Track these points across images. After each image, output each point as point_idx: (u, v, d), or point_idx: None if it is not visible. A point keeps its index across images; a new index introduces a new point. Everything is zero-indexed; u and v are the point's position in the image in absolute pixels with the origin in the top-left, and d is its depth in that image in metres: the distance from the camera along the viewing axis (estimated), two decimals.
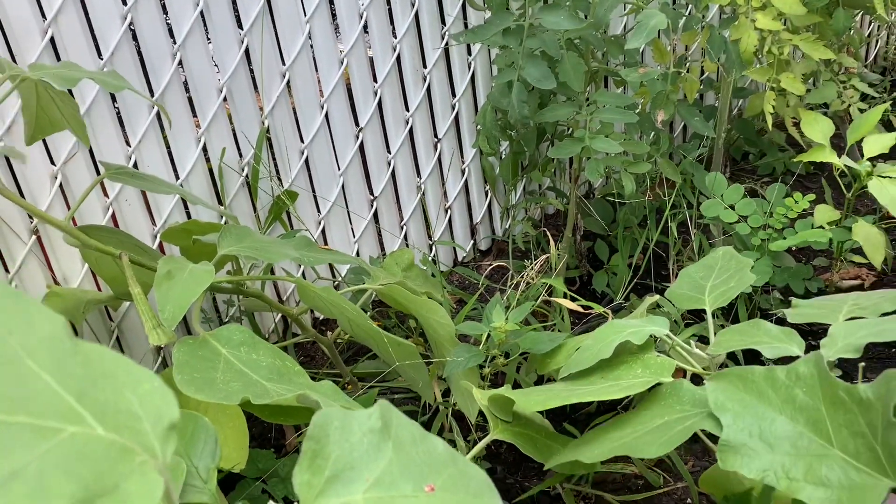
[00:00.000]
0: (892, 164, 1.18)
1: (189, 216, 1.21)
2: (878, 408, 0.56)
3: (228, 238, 0.83)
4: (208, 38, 1.13)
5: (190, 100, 1.16)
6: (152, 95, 1.10)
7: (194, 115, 1.16)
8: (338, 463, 0.43)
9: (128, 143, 1.10)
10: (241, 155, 1.22)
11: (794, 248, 1.44)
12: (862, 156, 1.20)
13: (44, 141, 1.03)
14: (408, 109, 1.38)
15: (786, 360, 1.17)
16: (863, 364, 1.16)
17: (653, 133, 1.32)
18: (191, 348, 0.70)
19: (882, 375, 0.59)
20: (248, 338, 0.74)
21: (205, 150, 1.18)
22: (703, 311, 0.95)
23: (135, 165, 1.12)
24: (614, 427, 0.82)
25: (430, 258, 1.41)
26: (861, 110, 1.41)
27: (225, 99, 1.17)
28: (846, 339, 0.80)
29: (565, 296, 1.18)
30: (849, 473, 0.52)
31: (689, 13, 1.34)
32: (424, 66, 1.37)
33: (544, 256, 1.25)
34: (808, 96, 1.41)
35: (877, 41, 2.26)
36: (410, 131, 1.39)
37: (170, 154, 1.15)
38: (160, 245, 1.17)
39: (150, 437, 0.31)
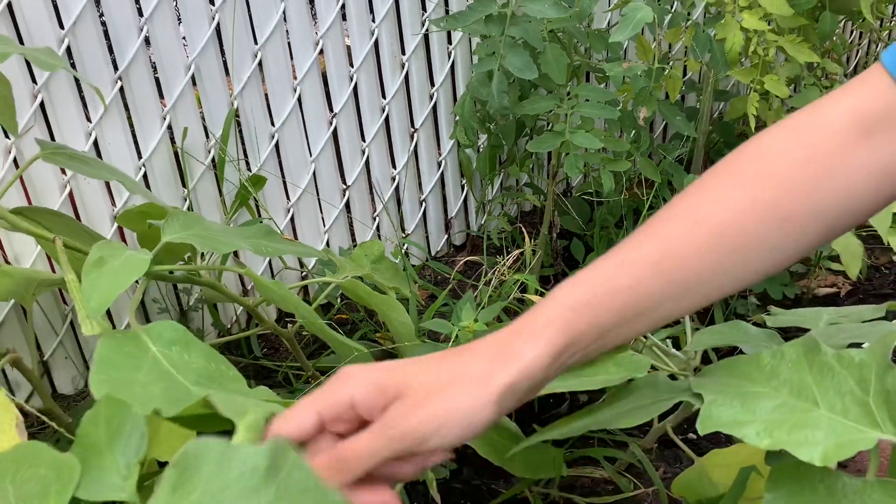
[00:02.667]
0: None
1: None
2: (871, 364, 0.54)
3: (174, 224, 0.78)
4: (178, 14, 1.09)
5: (157, 79, 1.11)
6: (116, 71, 1.05)
7: (161, 95, 1.11)
8: (203, 499, 0.40)
9: (88, 120, 1.05)
10: (207, 137, 1.17)
11: None
12: None
13: None
14: (384, 97, 1.34)
15: None
16: None
17: (633, 131, 1.29)
18: (118, 343, 0.65)
19: (879, 335, 0.57)
20: (181, 336, 0.69)
21: (171, 130, 1.13)
22: None
23: (95, 143, 1.07)
24: (586, 412, 0.80)
25: (402, 251, 1.37)
26: None
27: (194, 79, 1.12)
28: (828, 340, 0.78)
29: (538, 293, 1.15)
30: (835, 428, 0.50)
31: (675, 10, 1.32)
32: (403, 53, 1.33)
33: (518, 251, 1.22)
34: (791, 100, 1.40)
35: (857, 51, 2.26)
36: (386, 120, 1.35)
37: (133, 134, 1.11)
38: (119, 229, 1.12)
39: None
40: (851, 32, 2.18)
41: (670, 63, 1.39)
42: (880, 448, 0.51)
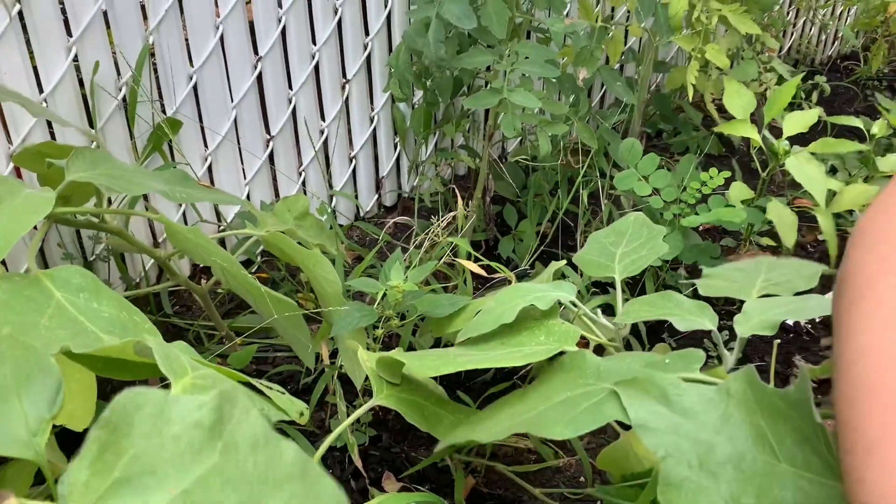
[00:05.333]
0: (806, 149, 1.16)
1: (53, 138, 1.06)
2: (809, 409, 0.52)
3: (80, 162, 0.71)
4: None
5: (63, 6, 1.01)
6: None
7: (66, 24, 1.01)
8: (135, 462, 0.34)
9: None
10: (119, 74, 1.07)
11: (702, 227, 1.42)
12: (777, 137, 1.17)
13: None
14: (315, 43, 1.26)
15: (692, 340, 1.15)
16: (777, 341, 1.14)
17: (572, 95, 1.26)
18: (16, 286, 0.59)
19: (800, 373, 0.55)
20: (90, 283, 0.63)
21: (76, 63, 1.03)
22: (611, 281, 0.89)
23: None
24: (513, 401, 0.76)
25: (328, 209, 1.30)
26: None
27: (105, 13, 1.02)
28: (761, 315, 0.76)
29: (470, 257, 1.11)
30: (803, 487, 0.47)
31: None
32: None
33: (451, 214, 1.17)
34: (730, 73, 1.38)
35: (792, 33, 2.29)
36: (316, 68, 1.28)
37: (34, 65, 1.00)
38: (16, 169, 1.03)
39: None
40: (789, 11, 2.19)
41: (613, 26, 1.36)
42: None
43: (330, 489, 0.35)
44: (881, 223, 0.54)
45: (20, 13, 0.96)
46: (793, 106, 1.79)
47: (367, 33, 1.32)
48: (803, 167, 1.04)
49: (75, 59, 1.02)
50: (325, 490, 0.35)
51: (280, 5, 1.20)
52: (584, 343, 0.85)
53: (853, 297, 0.50)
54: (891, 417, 0.42)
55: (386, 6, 1.31)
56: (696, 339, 1.14)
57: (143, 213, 0.86)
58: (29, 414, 0.46)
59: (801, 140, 1.20)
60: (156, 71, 1.11)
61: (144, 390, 0.39)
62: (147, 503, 0.32)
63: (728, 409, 0.55)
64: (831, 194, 1.09)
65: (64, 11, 1.01)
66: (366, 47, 1.32)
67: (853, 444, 0.43)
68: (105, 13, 1.03)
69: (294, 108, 1.28)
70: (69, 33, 1.01)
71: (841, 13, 2.36)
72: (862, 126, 1.31)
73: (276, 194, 1.33)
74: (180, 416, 0.38)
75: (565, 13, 1.21)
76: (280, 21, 1.20)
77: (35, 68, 1.01)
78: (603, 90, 1.81)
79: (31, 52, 1.00)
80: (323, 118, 1.33)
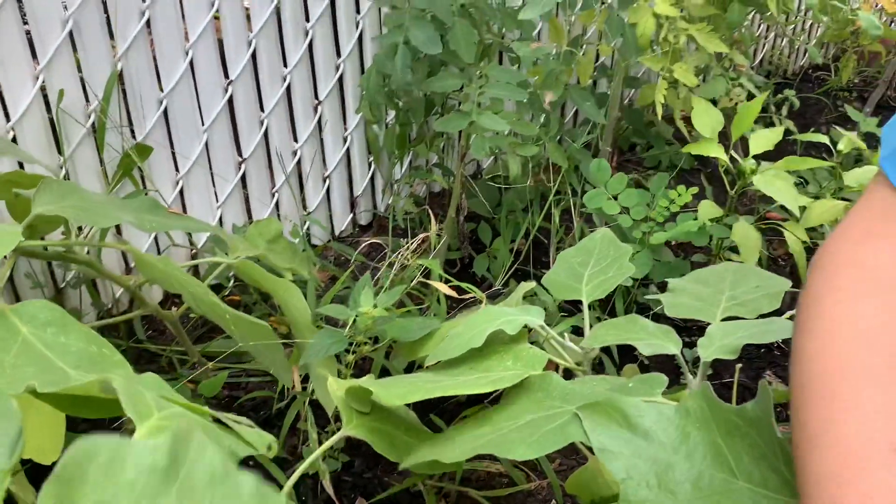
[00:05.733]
0: (773, 165, 1.17)
1: (22, 166, 1.05)
2: (767, 421, 0.53)
3: (47, 194, 0.71)
4: None
5: (28, 33, 1.01)
6: None
7: (33, 51, 1.01)
8: None
9: None
10: (87, 100, 1.07)
11: (673, 243, 1.43)
12: (746, 153, 1.19)
13: None
14: (286, 66, 1.26)
15: (662, 358, 1.16)
16: (739, 365, 1.15)
17: (543, 115, 1.27)
18: None
19: (760, 389, 0.56)
20: (58, 317, 0.63)
21: (44, 91, 1.03)
22: (579, 302, 0.90)
23: None
24: (478, 423, 0.76)
25: (301, 231, 1.30)
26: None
27: (72, 36, 1.02)
28: (723, 339, 0.77)
29: (442, 278, 1.11)
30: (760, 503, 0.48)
31: None
32: (307, 20, 1.26)
33: (423, 235, 1.18)
34: (698, 90, 1.40)
35: (764, 45, 2.32)
36: (288, 90, 1.28)
37: None
38: None
39: None
40: (759, 26, 2.22)
41: (583, 46, 1.37)
42: None
43: None
44: (832, 249, 0.55)
45: None
46: (764, 119, 1.81)
47: (338, 55, 1.32)
48: (773, 183, 1.06)
49: (43, 86, 1.02)
50: None
51: (250, 29, 1.20)
52: (553, 366, 0.85)
53: (803, 319, 0.52)
54: (826, 463, 0.43)
55: (357, 27, 1.32)
56: (666, 357, 1.15)
57: (112, 245, 0.86)
58: None
59: (769, 155, 1.21)
60: (125, 96, 1.11)
61: (97, 439, 0.39)
62: None
63: (686, 427, 0.56)
64: (802, 209, 1.10)
65: (30, 39, 1.01)
66: (338, 69, 1.33)
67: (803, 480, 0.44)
68: (72, 39, 1.03)
69: (266, 130, 1.28)
70: (35, 59, 1.01)
71: (811, 25, 2.40)
72: (828, 142, 1.33)
73: (250, 216, 1.33)
74: (135, 462, 0.38)
75: (536, 33, 1.22)
76: (250, 45, 1.20)
77: (0, 96, 1.00)
78: (574, 107, 1.82)
79: None
80: (296, 139, 1.34)
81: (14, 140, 1.02)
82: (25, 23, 1.00)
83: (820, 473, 0.43)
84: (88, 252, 0.98)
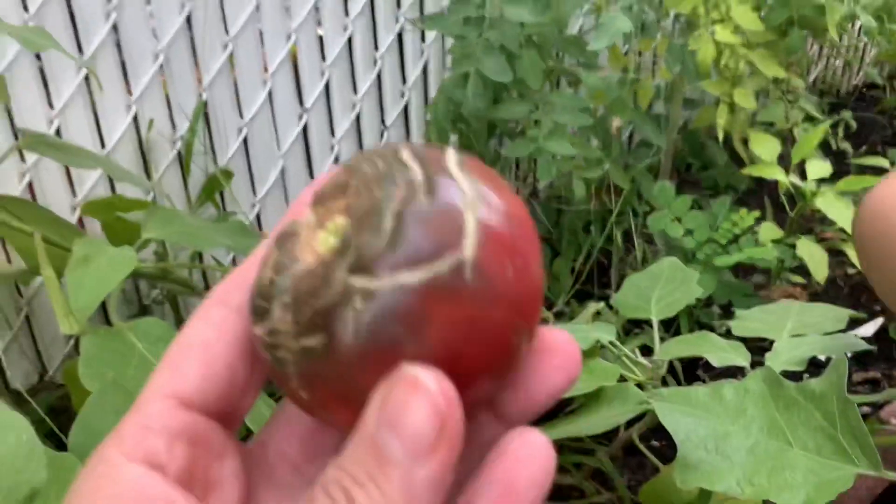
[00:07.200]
0: (832, 187, 1.19)
1: (113, 189, 1.12)
2: (831, 396, 0.55)
3: (154, 221, 0.77)
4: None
5: (123, 64, 1.08)
6: (81, 56, 1.01)
7: (126, 82, 1.08)
8: None
9: (51, 106, 1.01)
10: (174, 128, 1.14)
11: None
12: (802, 173, 1.21)
13: None
14: (356, 93, 1.32)
15: (732, 371, 1.18)
16: (806, 375, 1.17)
17: (604, 138, 1.30)
18: (102, 340, 0.64)
19: (831, 364, 0.58)
20: (167, 333, 0.68)
21: (136, 120, 1.10)
22: (647, 320, 0.93)
23: (58, 131, 1.03)
24: (557, 424, 0.80)
25: None
26: (805, 130, 1.42)
27: (161, 67, 1.09)
28: (790, 352, 0.80)
29: None
30: (813, 468, 0.51)
31: (648, 19, 1.33)
32: (376, 50, 1.32)
33: None
34: (758, 114, 1.42)
35: (816, 65, 2.32)
36: (358, 117, 1.34)
37: (97, 122, 1.07)
38: (80, 218, 1.09)
39: None
40: (811, 47, 2.23)
41: (640, 71, 1.41)
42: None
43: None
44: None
45: (87, 77, 1.02)
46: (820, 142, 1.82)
47: (404, 82, 1.38)
48: (834, 203, 1.08)
49: (135, 117, 1.09)
50: None
51: (324, 58, 1.26)
52: (622, 381, 0.88)
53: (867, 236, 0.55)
54: None
55: (422, 55, 1.37)
56: (729, 375, 1.17)
57: (214, 267, 0.92)
58: None
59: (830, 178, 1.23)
60: (208, 124, 1.18)
61: None
62: None
63: (745, 403, 0.59)
64: None
65: (124, 70, 1.08)
66: (402, 95, 1.38)
67: None
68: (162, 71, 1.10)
69: (337, 156, 1.33)
70: (129, 91, 1.08)
71: (864, 45, 2.39)
72: (887, 164, 1.34)
73: None
74: None
75: (598, 60, 1.26)
76: (323, 73, 1.26)
77: (97, 125, 1.07)
78: (631, 129, 1.85)
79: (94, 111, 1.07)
80: None
81: None
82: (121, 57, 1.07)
83: None
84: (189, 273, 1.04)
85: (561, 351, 0.26)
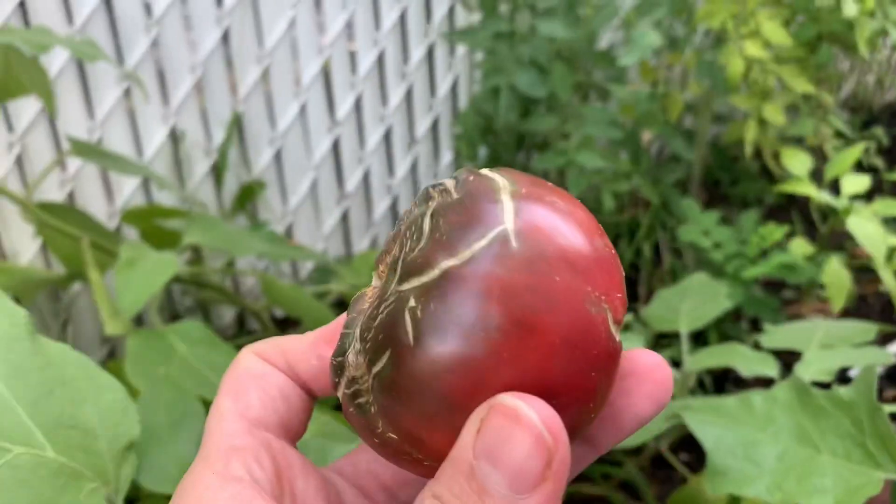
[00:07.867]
0: (867, 204, 1.18)
1: (149, 198, 1.15)
2: (860, 403, 0.55)
3: (195, 227, 0.79)
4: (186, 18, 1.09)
5: (161, 76, 1.11)
6: (123, 67, 1.04)
7: (164, 94, 1.11)
8: None
9: (92, 118, 1.05)
10: (210, 139, 1.16)
11: (763, 280, 1.44)
12: (837, 192, 1.20)
13: (3, 109, 0.97)
14: (386, 107, 1.34)
15: (761, 384, 1.17)
16: (835, 386, 1.16)
17: (633, 151, 1.31)
18: (145, 340, 0.66)
19: (861, 371, 0.58)
20: (207, 336, 0.70)
21: (172, 131, 1.13)
22: (676, 334, 0.93)
23: (98, 142, 1.06)
24: None
25: None
26: (835, 149, 1.42)
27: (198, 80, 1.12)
28: (820, 364, 0.80)
29: None
30: (841, 475, 0.51)
31: (678, 34, 1.33)
32: (406, 64, 1.34)
33: None
34: (787, 129, 1.42)
35: (848, 81, 2.30)
36: (388, 130, 1.36)
37: (135, 132, 1.10)
38: (116, 227, 1.12)
39: (104, 459, 0.27)
40: (843, 62, 2.21)
41: (670, 85, 1.41)
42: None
43: None
44: None
45: (126, 89, 1.05)
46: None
47: (433, 96, 1.39)
48: (864, 227, 1.07)
49: (172, 128, 1.12)
50: None
51: (355, 73, 1.28)
52: None
53: None
54: None
55: (450, 69, 1.39)
56: (761, 385, 1.16)
57: (249, 272, 0.94)
58: (180, 454, 0.52)
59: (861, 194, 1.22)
60: (241, 136, 1.20)
61: None
62: None
63: (773, 411, 0.59)
64: (891, 251, 1.11)
65: (162, 83, 1.11)
66: (431, 108, 1.40)
67: None
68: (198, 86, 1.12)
69: (367, 168, 1.35)
70: (166, 103, 1.11)
71: None
72: None
73: (348, 248, 1.40)
74: None
75: (628, 74, 1.27)
76: (354, 86, 1.28)
77: (136, 137, 1.10)
78: (658, 144, 1.85)
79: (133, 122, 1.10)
80: (392, 175, 1.41)
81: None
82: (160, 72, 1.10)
83: None
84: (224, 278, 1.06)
85: (651, 378, 0.25)
